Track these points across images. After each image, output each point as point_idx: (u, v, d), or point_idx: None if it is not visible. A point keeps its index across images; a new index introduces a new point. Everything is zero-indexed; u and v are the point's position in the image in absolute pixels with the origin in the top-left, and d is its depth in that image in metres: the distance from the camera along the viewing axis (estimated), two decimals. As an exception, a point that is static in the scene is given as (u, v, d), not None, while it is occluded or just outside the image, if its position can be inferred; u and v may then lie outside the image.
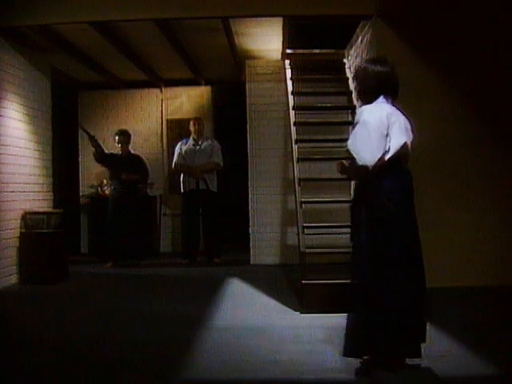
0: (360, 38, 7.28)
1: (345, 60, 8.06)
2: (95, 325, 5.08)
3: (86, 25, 6.80)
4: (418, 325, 3.65)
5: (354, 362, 3.74)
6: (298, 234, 6.16)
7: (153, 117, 10.47)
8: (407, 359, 3.66)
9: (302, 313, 5.28)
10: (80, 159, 10.49)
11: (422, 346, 3.69)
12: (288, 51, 8.13)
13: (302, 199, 6.45)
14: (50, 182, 8.25)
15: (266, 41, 7.97)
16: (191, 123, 8.96)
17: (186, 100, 10.43)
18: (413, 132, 3.78)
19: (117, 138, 8.72)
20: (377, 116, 3.58)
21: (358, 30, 7.31)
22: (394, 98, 3.75)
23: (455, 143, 6.56)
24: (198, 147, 8.82)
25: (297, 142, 7.05)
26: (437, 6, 6.46)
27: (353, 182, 7.98)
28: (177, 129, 10.19)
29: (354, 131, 3.66)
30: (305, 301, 5.41)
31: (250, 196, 8.78)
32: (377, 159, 3.50)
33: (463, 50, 6.54)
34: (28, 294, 6.59)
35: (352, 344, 3.68)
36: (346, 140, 7.81)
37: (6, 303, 6.15)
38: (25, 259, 7.12)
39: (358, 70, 3.91)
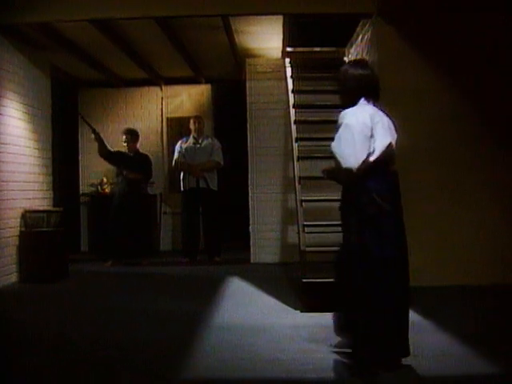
0: (360, 37, 7.26)
1: (345, 58, 7.99)
2: (95, 324, 5.07)
3: (86, 23, 6.78)
4: (405, 324, 3.68)
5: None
6: (298, 233, 6.16)
7: (153, 115, 10.47)
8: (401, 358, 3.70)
9: (302, 311, 5.27)
10: (80, 158, 10.50)
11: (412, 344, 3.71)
12: (288, 49, 8.08)
13: (303, 198, 6.43)
14: (50, 181, 8.24)
15: (266, 39, 7.96)
16: (191, 121, 8.96)
17: (187, 98, 10.43)
18: (396, 132, 3.82)
19: (124, 136, 8.74)
20: (359, 118, 3.61)
21: (358, 28, 7.29)
22: (375, 99, 3.79)
23: (454, 141, 6.54)
24: (198, 146, 8.81)
25: (297, 140, 7.03)
26: (437, 5, 6.44)
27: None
28: (177, 127, 10.20)
29: (337, 134, 3.67)
30: (305, 299, 5.40)
31: (250, 194, 8.77)
32: (361, 161, 3.53)
33: (463, 49, 6.52)
34: (28, 293, 6.57)
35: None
36: None
37: (5, 302, 6.12)
38: (25, 258, 7.10)
39: (339, 72, 3.94)
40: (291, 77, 7.78)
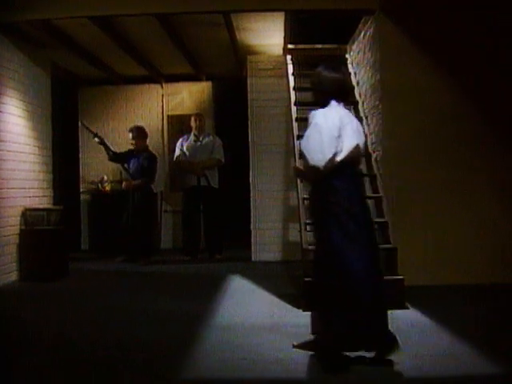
0: (363, 33, 7.23)
1: (347, 55, 8.00)
2: (96, 323, 5.05)
3: (86, 20, 6.75)
4: (379, 319, 3.75)
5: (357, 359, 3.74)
6: (300, 231, 6.09)
7: (153, 113, 10.44)
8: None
9: (304, 310, 5.20)
10: (80, 155, 10.46)
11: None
12: (290, 46, 8.05)
13: (304, 195, 6.37)
14: (50, 179, 8.22)
15: (267, 36, 7.93)
16: (192, 119, 8.94)
17: (187, 96, 10.40)
18: (364, 135, 4.00)
19: (130, 134, 8.71)
20: (329, 118, 3.76)
21: (360, 24, 7.26)
22: (345, 101, 3.98)
23: (455, 141, 6.53)
24: (199, 143, 8.81)
25: (298, 137, 6.87)
26: (439, 3, 6.42)
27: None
28: (178, 125, 10.16)
29: (306, 133, 3.82)
30: (307, 298, 5.29)
31: (251, 192, 8.76)
32: (328, 160, 3.66)
33: (465, 47, 6.50)
34: (28, 292, 6.56)
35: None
36: None
37: (5, 301, 6.11)
38: (25, 256, 7.09)
39: (313, 74, 4.10)
40: (292, 74, 7.75)
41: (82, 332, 4.73)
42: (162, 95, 10.43)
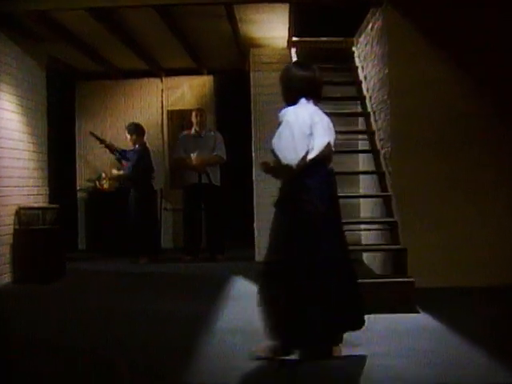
0: (370, 25, 7.19)
1: (354, 48, 8.00)
2: (94, 326, 5.02)
3: (84, 11, 6.69)
4: (351, 317, 3.89)
5: (367, 368, 3.68)
6: None
7: (153, 107, 10.42)
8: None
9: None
10: (77, 152, 10.43)
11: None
12: (294, 39, 8.04)
13: None
14: (46, 176, 8.21)
15: (271, 28, 7.87)
16: (193, 114, 8.90)
17: (188, 90, 10.36)
18: (335, 133, 4.05)
19: (126, 132, 8.86)
20: (300, 116, 3.82)
21: (368, 16, 7.21)
22: (316, 100, 4.01)
23: (464, 135, 6.47)
24: (200, 139, 8.76)
25: None
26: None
27: (359, 176, 8.07)
28: (178, 120, 10.14)
29: (277, 131, 3.87)
30: None
31: (254, 190, 8.71)
32: (300, 158, 3.73)
33: (477, 38, 6.43)
34: (23, 294, 6.53)
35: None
36: (355, 132, 7.88)
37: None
38: (19, 257, 7.06)
39: (282, 72, 4.17)
40: None
41: (80, 335, 4.70)
42: (162, 90, 10.39)
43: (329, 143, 3.88)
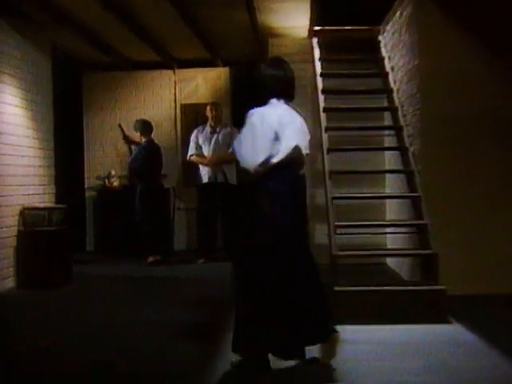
0: (398, 13, 7.10)
1: (380, 37, 7.91)
2: (101, 337, 4.95)
3: (90, -2, 6.65)
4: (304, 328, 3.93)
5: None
6: (328, 234, 6.00)
7: (165, 101, 10.36)
8: None
9: (334, 324, 5.05)
10: (85, 148, 10.40)
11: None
12: (316, 28, 7.95)
13: (334, 195, 6.25)
14: (52, 174, 8.20)
15: (291, 17, 7.80)
16: (208, 109, 8.87)
17: (202, 83, 10.29)
18: (309, 133, 4.18)
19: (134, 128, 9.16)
20: (265, 119, 3.90)
21: (396, 2, 7.12)
22: (288, 99, 4.12)
23: (499, 132, 6.35)
24: (215, 135, 8.74)
25: (326, 130, 6.90)
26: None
27: (385, 175, 7.98)
28: (192, 114, 10.09)
29: (241, 133, 3.99)
30: (337, 310, 5.09)
31: None
32: (259, 163, 3.82)
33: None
34: (26, 300, 6.49)
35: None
36: (381, 128, 7.84)
37: (1, 311, 6.02)
38: (23, 260, 7.03)
39: (254, 70, 4.26)
40: (319, 59, 7.68)
41: (86, 347, 4.66)
42: (175, 82, 10.33)
43: (296, 146, 3.93)
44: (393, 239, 7.56)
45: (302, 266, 3.95)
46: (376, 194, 7.66)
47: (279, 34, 8.51)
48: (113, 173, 9.98)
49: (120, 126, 9.78)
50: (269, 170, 3.84)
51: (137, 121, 9.11)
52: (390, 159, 7.91)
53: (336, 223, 6.00)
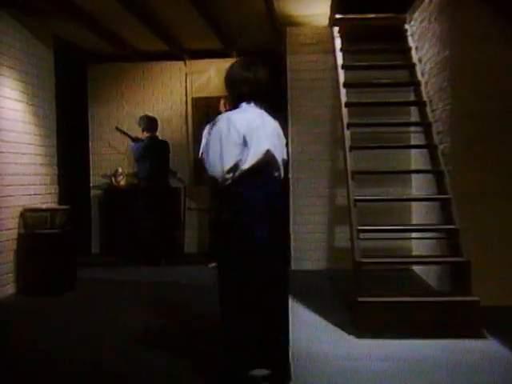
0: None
1: (406, 26, 7.81)
2: (107, 350, 4.91)
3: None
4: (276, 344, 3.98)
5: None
6: (351, 239, 5.93)
7: (176, 94, 10.36)
8: None
9: (357, 337, 5.08)
10: (90, 144, 10.44)
11: None
12: (337, 16, 7.84)
13: (357, 196, 6.18)
14: (55, 173, 8.18)
15: (311, 4, 7.71)
16: (221, 102, 8.67)
17: (215, 74, 10.23)
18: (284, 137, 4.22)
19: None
20: (232, 124, 3.90)
21: (424, -12, 7.03)
22: (260, 102, 4.11)
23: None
24: (229, 131, 8.57)
25: (349, 126, 6.83)
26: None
27: (411, 176, 8.08)
28: (204, 108, 10.06)
29: (207, 140, 4.01)
30: (361, 322, 5.26)
31: (290, 189, 8.56)
32: (226, 170, 3.86)
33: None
34: (27, 308, 6.45)
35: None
36: (407, 124, 7.78)
37: (0, 318, 6.01)
38: (23, 265, 7.02)
39: (226, 72, 4.28)
40: (341, 49, 7.63)
41: (90, 359, 4.65)
42: (186, 74, 10.31)
43: (268, 151, 3.94)
44: (419, 243, 7.49)
45: (277, 277, 3.98)
46: (402, 197, 7.59)
47: (297, 22, 8.43)
48: (120, 170, 9.97)
49: (117, 128, 9.80)
50: (239, 177, 3.89)
51: (140, 117, 9.24)
52: (416, 158, 7.82)
53: (359, 227, 5.89)
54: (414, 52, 7.48)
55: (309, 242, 8.52)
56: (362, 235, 5.89)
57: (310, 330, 5.38)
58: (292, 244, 8.56)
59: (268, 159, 3.95)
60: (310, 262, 8.48)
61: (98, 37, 8.80)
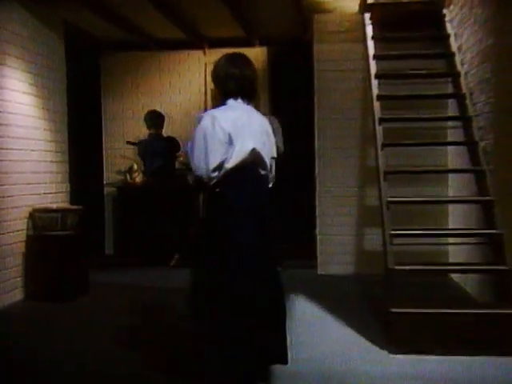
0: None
1: (445, 11, 7.61)
2: (122, 361, 4.85)
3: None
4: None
5: None
6: (383, 244, 5.79)
7: (194, 85, 10.36)
8: None
9: (391, 353, 4.94)
10: (104, 139, 10.46)
11: None
12: (369, 2, 7.71)
13: (390, 198, 6.03)
14: (66, 170, 8.20)
15: (340, -11, 7.67)
16: (242, 95, 8.66)
17: (237, 65, 10.14)
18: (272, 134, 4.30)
19: None
20: (217, 121, 4.01)
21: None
22: (247, 99, 4.22)
23: None
24: (251, 126, 8.51)
25: (381, 121, 6.67)
26: None
27: (448, 175, 7.99)
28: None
29: (192, 139, 4.12)
30: (395, 336, 5.11)
31: (317, 188, 8.50)
32: (210, 169, 3.97)
33: None
34: (36, 315, 6.44)
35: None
36: (444, 119, 7.65)
37: (7, 327, 5.99)
38: (32, 269, 7.02)
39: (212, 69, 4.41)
40: (372, 38, 7.48)
41: (98, 370, 4.65)
42: (205, 64, 10.27)
43: (254, 149, 4.01)
44: (456, 247, 7.35)
45: (265, 279, 4.04)
46: (439, 199, 7.43)
47: (325, 8, 8.30)
48: (135, 167, 9.95)
49: (128, 142, 9.89)
50: (223, 176, 3.98)
51: (146, 112, 9.38)
52: (453, 155, 7.68)
53: (392, 232, 5.73)
54: (452, 40, 7.29)
55: (336, 244, 8.45)
56: (395, 240, 5.73)
57: (336, 344, 5.26)
58: (318, 247, 8.52)
59: (254, 158, 4.04)
60: (337, 266, 8.39)
61: (111, 24, 8.82)
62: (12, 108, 6.89)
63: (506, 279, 5.38)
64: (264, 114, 8.64)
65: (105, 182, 10.41)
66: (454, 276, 7.52)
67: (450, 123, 7.52)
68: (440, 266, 6.72)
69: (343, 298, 6.95)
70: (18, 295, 6.92)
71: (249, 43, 10.00)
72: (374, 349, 5.07)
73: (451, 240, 7.31)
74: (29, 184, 7.17)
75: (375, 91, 6.90)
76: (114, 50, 10.27)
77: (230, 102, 4.17)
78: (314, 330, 5.74)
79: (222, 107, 4.16)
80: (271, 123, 8.40)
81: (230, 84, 4.16)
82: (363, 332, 5.48)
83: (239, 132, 4.00)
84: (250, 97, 4.25)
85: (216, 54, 9.89)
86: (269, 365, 4.16)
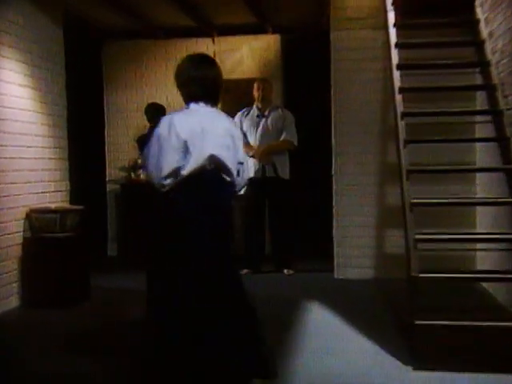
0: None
1: None
2: (121, 371, 4.78)
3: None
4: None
5: None
6: (406, 249, 5.65)
7: None
8: None
9: (415, 369, 4.81)
10: (106, 133, 10.49)
11: None
12: None
13: (414, 200, 5.89)
14: (66, 167, 8.16)
15: (359, -29, 7.65)
16: (255, 86, 8.72)
17: (248, 54, 10.30)
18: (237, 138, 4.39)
19: None
20: (173, 127, 4.13)
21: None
22: (212, 102, 4.34)
23: None
24: (263, 120, 8.58)
25: (403, 116, 6.54)
26: None
27: (475, 174, 7.92)
28: (235, 92, 9.90)
29: (148, 144, 4.26)
30: (419, 350, 4.97)
31: (333, 186, 8.44)
32: (163, 175, 4.10)
33: None
34: (33, 323, 6.42)
35: None
36: (472, 113, 7.60)
37: (1, 336, 5.96)
38: (29, 274, 7.00)
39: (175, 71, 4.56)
40: (394, 25, 7.32)
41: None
42: (214, 53, 10.22)
43: (212, 156, 4.13)
44: (483, 256, 7.33)
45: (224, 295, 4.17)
46: (467, 200, 7.30)
47: (344, -7, 8.35)
48: (139, 162, 9.76)
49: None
50: (178, 183, 4.11)
51: (147, 105, 9.50)
52: (482, 152, 7.60)
53: (416, 236, 5.60)
54: (482, 26, 7.15)
55: (354, 247, 8.39)
56: (419, 245, 5.62)
57: (355, 358, 5.15)
58: (335, 249, 8.47)
59: (215, 164, 4.17)
60: (355, 269, 8.35)
61: (115, 10, 8.83)
62: (6, 101, 6.83)
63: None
64: (277, 106, 8.77)
65: (107, 179, 10.44)
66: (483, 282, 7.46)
67: (478, 117, 7.41)
68: (467, 273, 6.59)
69: (361, 306, 6.88)
70: (13, 302, 6.89)
71: (261, 30, 10.06)
72: (397, 364, 4.94)
73: (479, 245, 7.23)
74: (26, 183, 7.13)
75: (397, 83, 6.75)
76: (116, 38, 10.31)
77: (192, 105, 4.28)
78: (331, 341, 5.65)
79: (183, 111, 4.30)
80: (284, 116, 8.61)
81: (192, 87, 4.29)
82: (385, 344, 5.36)
83: (197, 138, 4.11)
84: (213, 100, 4.35)
85: (226, 42, 10.16)
86: (246, 379, 4.18)
